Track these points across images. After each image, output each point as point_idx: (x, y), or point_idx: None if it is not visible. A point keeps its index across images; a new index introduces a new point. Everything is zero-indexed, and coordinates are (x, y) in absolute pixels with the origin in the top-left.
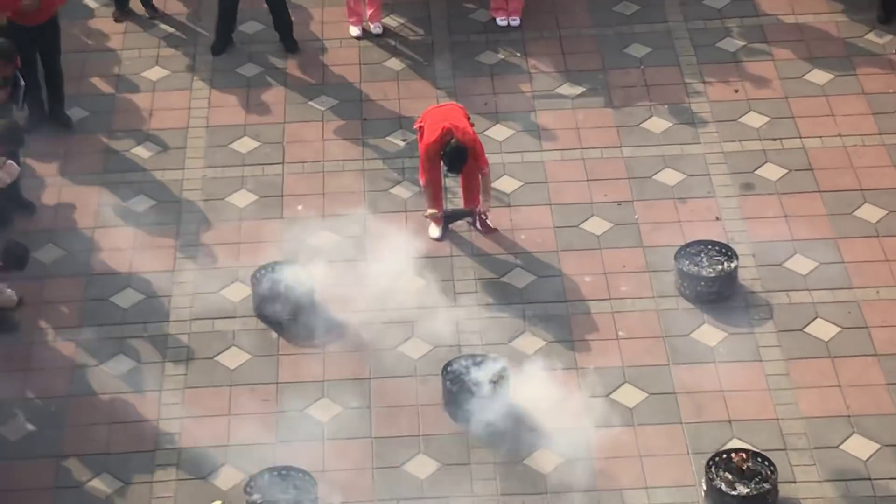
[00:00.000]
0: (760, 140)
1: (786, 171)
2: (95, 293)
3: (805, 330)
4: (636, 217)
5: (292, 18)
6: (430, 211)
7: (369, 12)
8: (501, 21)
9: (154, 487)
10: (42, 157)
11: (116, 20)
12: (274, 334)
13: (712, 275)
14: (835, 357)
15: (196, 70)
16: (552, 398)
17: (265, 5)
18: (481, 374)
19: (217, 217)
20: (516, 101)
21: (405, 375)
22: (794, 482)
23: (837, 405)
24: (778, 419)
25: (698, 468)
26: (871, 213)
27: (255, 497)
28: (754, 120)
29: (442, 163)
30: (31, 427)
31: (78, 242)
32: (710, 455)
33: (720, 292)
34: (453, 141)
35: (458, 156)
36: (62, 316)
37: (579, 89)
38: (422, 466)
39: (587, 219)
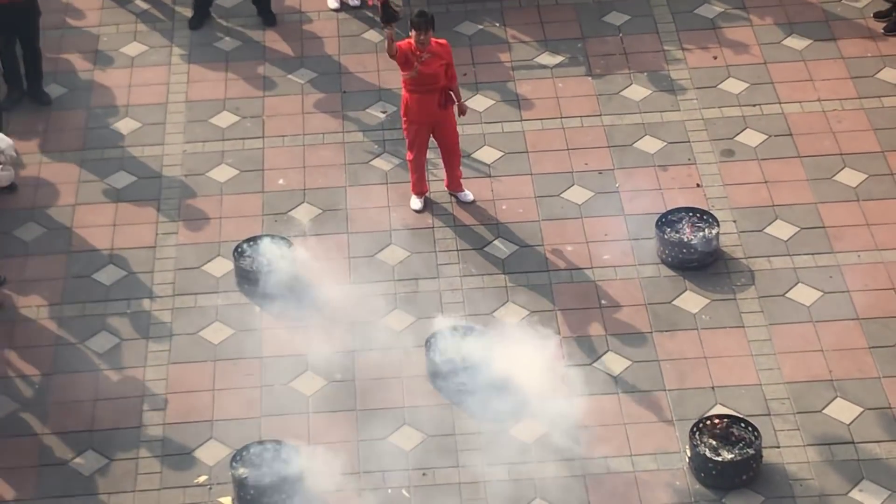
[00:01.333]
0: (740, 106)
1: (766, 136)
2: (77, 270)
3: (787, 295)
4: (617, 185)
5: None
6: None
7: None
8: None
9: (139, 464)
10: (21, 135)
11: None
12: (257, 308)
13: (693, 241)
14: (817, 322)
15: (174, 45)
16: (536, 368)
17: None
18: (465, 345)
19: (198, 192)
20: (496, 71)
21: (389, 348)
22: (778, 447)
23: (820, 370)
24: (761, 384)
25: (682, 435)
26: (851, 177)
27: (242, 472)
28: (733, 86)
29: (413, 32)
30: (14, 404)
31: (59, 220)
32: (693, 421)
33: (701, 259)
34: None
35: (421, 13)
36: (44, 293)
37: (558, 58)
38: (407, 438)
39: (568, 188)
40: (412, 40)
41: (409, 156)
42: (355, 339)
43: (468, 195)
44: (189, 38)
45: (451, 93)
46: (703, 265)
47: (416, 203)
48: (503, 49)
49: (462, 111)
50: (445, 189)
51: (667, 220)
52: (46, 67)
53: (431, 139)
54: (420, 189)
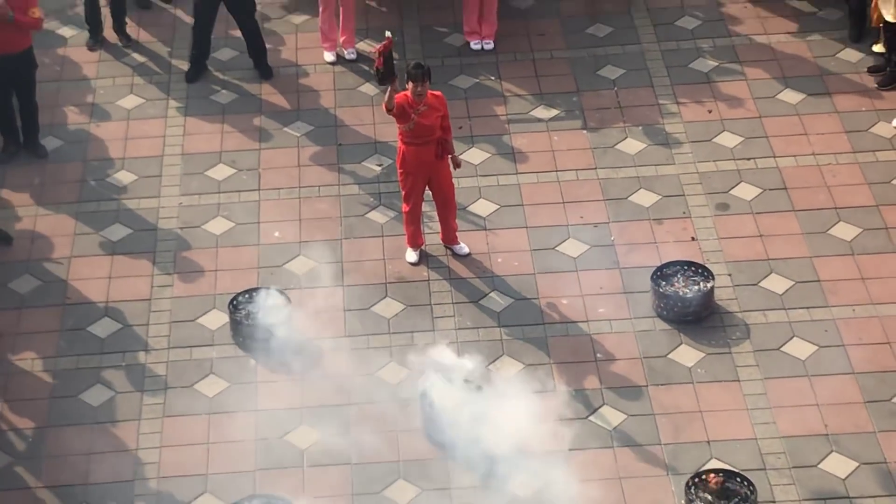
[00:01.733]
0: (735, 160)
1: (760, 190)
2: (72, 323)
3: (782, 349)
4: (612, 238)
5: (266, 45)
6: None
7: (343, 38)
8: (475, 45)
9: None
10: (17, 188)
11: (90, 49)
12: (252, 361)
13: (689, 295)
14: (812, 376)
15: (171, 98)
16: (531, 421)
17: (239, 32)
18: (460, 398)
19: (193, 245)
20: (491, 124)
21: (384, 401)
22: (774, 502)
23: (816, 424)
24: (756, 439)
25: (678, 489)
26: (845, 231)
27: None
28: (728, 140)
29: (410, 83)
30: (8, 458)
31: (54, 272)
32: (689, 476)
33: (697, 312)
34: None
35: (418, 65)
36: (39, 346)
37: (554, 112)
38: (401, 492)
39: (563, 241)
40: (409, 92)
41: (404, 208)
42: (350, 392)
43: (463, 248)
44: (186, 91)
45: (446, 144)
46: (698, 319)
47: (411, 256)
48: (499, 102)
49: (456, 164)
50: (441, 242)
51: (662, 274)
52: (43, 120)
53: (427, 191)
54: (415, 242)
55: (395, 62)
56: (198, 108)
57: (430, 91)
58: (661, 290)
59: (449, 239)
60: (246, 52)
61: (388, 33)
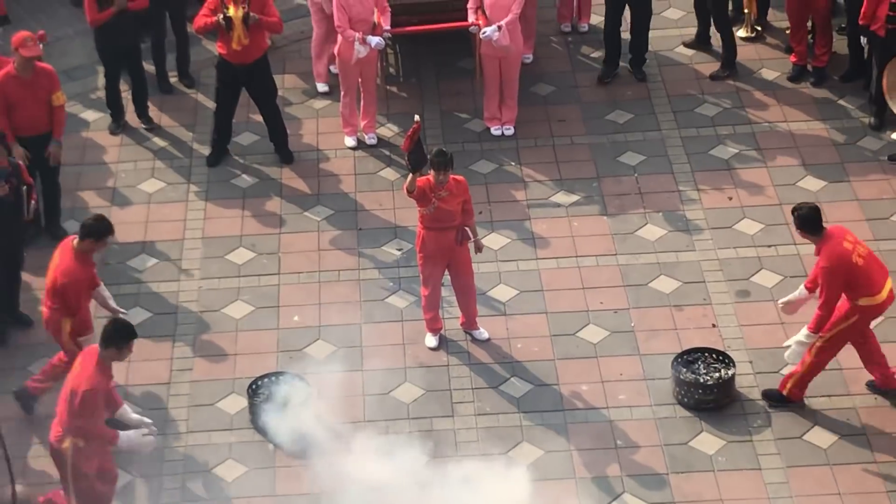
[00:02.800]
0: (755, 247)
1: (781, 277)
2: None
3: (804, 437)
4: (632, 325)
5: (287, 129)
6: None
7: (364, 123)
8: (496, 130)
9: None
10: (38, 271)
11: (112, 133)
12: (271, 446)
13: (710, 382)
14: (834, 465)
15: (191, 182)
16: None
17: (260, 117)
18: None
19: (213, 328)
20: (511, 209)
21: (403, 487)
22: None
23: None
24: None
25: None
26: None
27: None
28: (749, 227)
29: (433, 171)
30: None
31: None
32: None
33: (718, 400)
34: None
35: (441, 153)
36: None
37: (574, 197)
38: None
39: (583, 327)
40: (431, 178)
41: (423, 292)
42: (369, 477)
43: (483, 333)
44: (206, 175)
45: (468, 229)
46: (719, 406)
47: (431, 340)
48: (519, 187)
49: (478, 248)
50: (460, 327)
51: (682, 361)
52: (64, 203)
53: (446, 275)
54: (434, 326)
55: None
56: (218, 192)
57: (452, 176)
58: (681, 377)
59: (469, 324)
60: (267, 136)
61: (416, 118)
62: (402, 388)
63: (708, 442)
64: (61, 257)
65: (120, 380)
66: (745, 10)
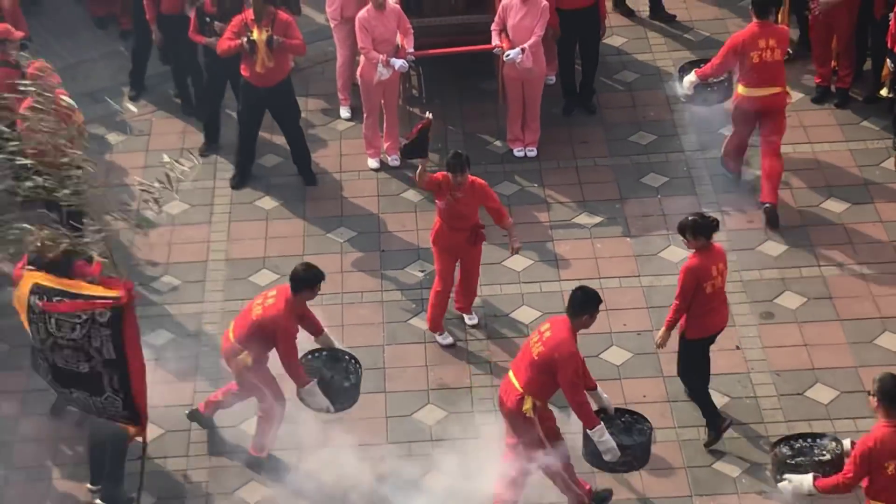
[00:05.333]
0: (779, 269)
1: (805, 299)
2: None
3: None
4: (655, 346)
5: (310, 151)
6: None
7: (386, 144)
8: (518, 152)
9: None
10: None
11: (202, 154)
12: (296, 467)
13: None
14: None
15: (215, 203)
16: None
17: (283, 139)
18: None
19: None
20: (534, 231)
21: None
22: None
23: None
24: None
25: None
26: (891, 341)
27: None
28: (772, 248)
29: (450, 174)
30: None
31: None
32: None
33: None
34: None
35: (456, 155)
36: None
37: (597, 219)
38: None
39: (607, 349)
40: (448, 175)
41: (436, 286)
42: (393, 500)
43: (473, 318)
44: (230, 197)
45: (483, 232)
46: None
47: (446, 339)
48: (542, 209)
49: (514, 249)
50: (455, 310)
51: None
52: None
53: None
54: (441, 327)
55: (429, 145)
56: (242, 213)
57: (471, 177)
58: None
59: (464, 308)
60: (290, 158)
61: (428, 114)
62: (424, 410)
63: (732, 464)
64: (277, 299)
65: None
66: None
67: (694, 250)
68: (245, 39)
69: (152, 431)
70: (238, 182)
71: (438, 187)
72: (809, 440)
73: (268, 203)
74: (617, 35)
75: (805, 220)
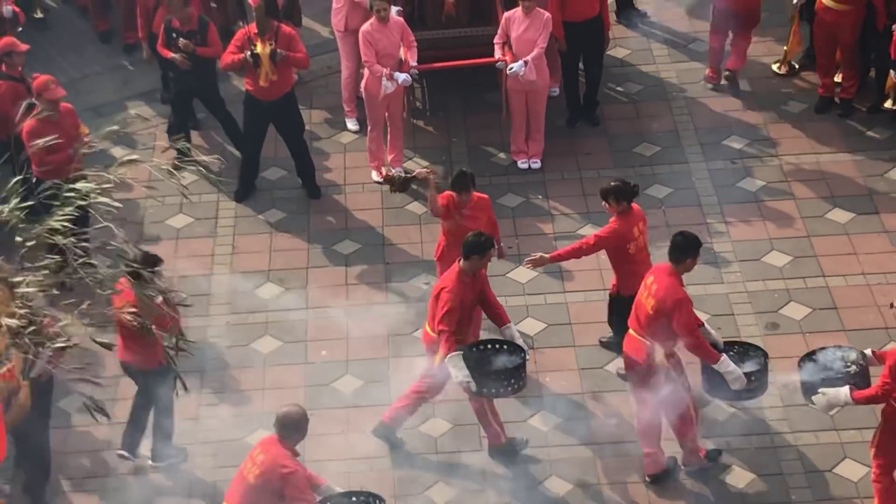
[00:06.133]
0: (784, 279)
1: (810, 310)
2: (119, 443)
3: (834, 470)
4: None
5: (314, 164)
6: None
7: (391, 157)
8: (522, 164)
9: None
10: (66, 306)
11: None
12: None
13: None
14: (864, 498)
15: (219, 217)
16: None
17: (288, 152)
18: None
19: (241, 363)
20: (538, 242)
21: None
22: None
23: None
24: None
25: None
26: None
27: None
28: (777, 259)
29: (455, 193)
30: None
31: (101, 391)
32: None
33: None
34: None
35: (461, 174)
36: (87, 463)
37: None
38: None
39: (612, 360)
40: (454, 194)
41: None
42: None
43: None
44: (234, 210)
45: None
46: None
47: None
48: (546, 220)
49: (501, 255)
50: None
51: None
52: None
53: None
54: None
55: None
56: (246, 226)
57: (475, 193)
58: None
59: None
60: (294, 171)
61: (433, 178)
62: (430, 423)
63: (738, 476)
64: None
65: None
66: (785, 47)
67: (615, 214)
68: (248, 53)
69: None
70: (242, 195)
71: (447, 211)
72: (832, 353)
73: (272, 216)
74: (620, 46)
75: (809, 229)
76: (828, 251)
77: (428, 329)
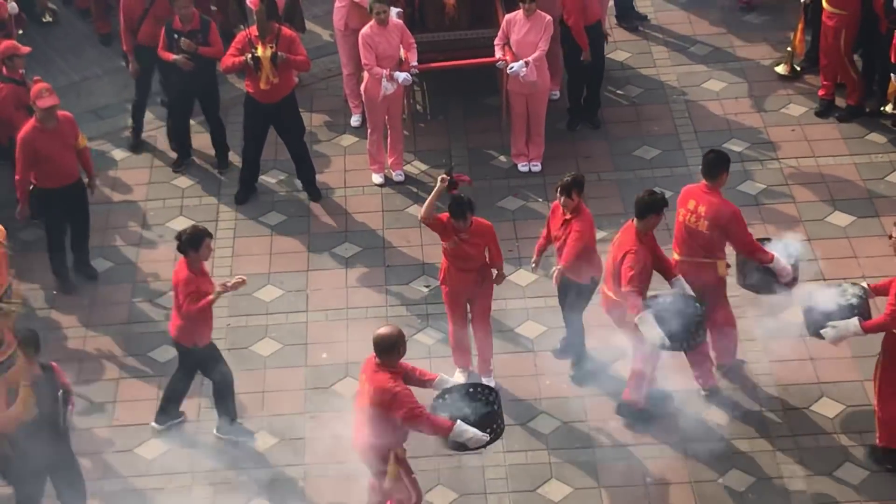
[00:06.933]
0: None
1: None
2: (120, 445)
3: (834, 474)
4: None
5: (315, 167)
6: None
7: (391, 160)
8: (523, 167)
9: None
10: (66, 309)
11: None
12: (300, 483)
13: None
14: (865, 502)
15: (220, 219)
16: None
17: (288, 154)
18: None
19: (242, 366)
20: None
21: None
22: None
23: None
24: None
25: None
26: None
27: None
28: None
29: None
30: None
31: (102, 394)
32: None
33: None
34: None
35: (458, 202)
36: (87, 467)
37: (601, 233)
38: None
39: (613, 363)
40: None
41: (449, 328)
42: None
43: (492, 381)
44: (234, 213)
45: (493, 270)
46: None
47: (458, 377)
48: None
49: (499, 279)
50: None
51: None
52: (93, 242)
53: None
54: (462, 363)
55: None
56: (247, 229)
57: (477, 219)
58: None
59: (480, 368)
60: (294, 173)
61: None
62: None
63: (738, 479)
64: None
65: (148, 418)
66: (789, 49)
67: (572, 211)
68: (249, 56)
69: (158, 448)
70: (242, 198)
71: (443, 229)
72: (832, 290)
73: (272, 219)
74: (620, 50)
75: (810, 233)
76: (828, 254)
77: (608, 292)
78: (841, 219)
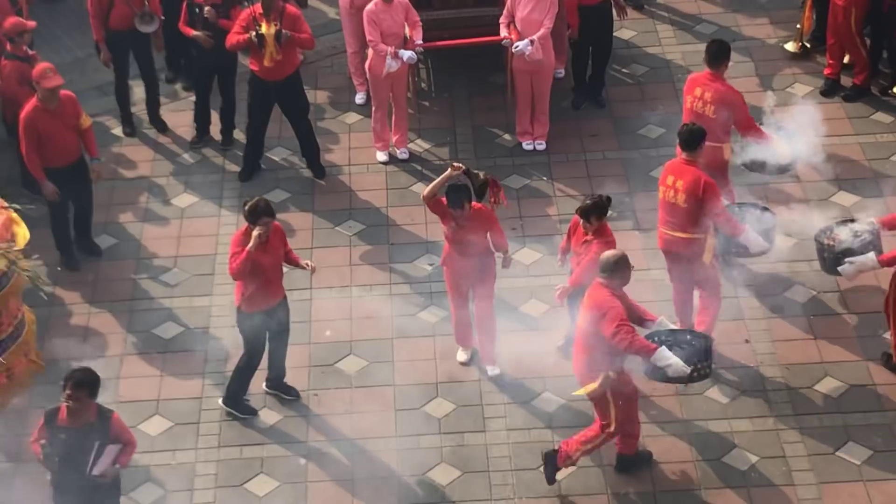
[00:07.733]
0: (788, 262)
1: (814, 292)
2: (123, 420)
3: (837, 453)
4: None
5: (319, 145)
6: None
7: (395, 138)
8: (527, 145)
9: None
10: (70, 285)
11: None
12: (302, 461)
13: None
14: (868, 481)
15: (224, 197)
16: None
17: (292, 132)
18: None
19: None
20: (543, 224)
21: (435, 502)
22: None
23: None
24: None
25: None
26: None
27: None
28: (781, 240)
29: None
30: None
31: (106, 370)
32: None
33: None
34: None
35: (454, 189)
36: None
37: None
38: None
39: None
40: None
41: (451, 307)
42: (401, 494)
43: (494, 370)
44: (239, 190)
45: (498, 253)
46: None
47: (461, 355)
48: (550, 202)
49: (505, 264)
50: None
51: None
52: (97, 218)
53: None
54: (464, 343)
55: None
56: None
57: (477, 205)
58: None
59: (483, 357)
60: (299, 151)
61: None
62: (433, 404)
63: (741, 458)
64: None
65: (152, 395)
66: (798, 26)
67: (594, 233)
68: (253, 34)
69: (161, 424)
70: (247, 175)
71: (443, 212)
72: (842, 227)
73: (277, 196)
74: (626, 28)
75: (815, 213)
76: None
77: (681, 234)
78: (846, 198)
